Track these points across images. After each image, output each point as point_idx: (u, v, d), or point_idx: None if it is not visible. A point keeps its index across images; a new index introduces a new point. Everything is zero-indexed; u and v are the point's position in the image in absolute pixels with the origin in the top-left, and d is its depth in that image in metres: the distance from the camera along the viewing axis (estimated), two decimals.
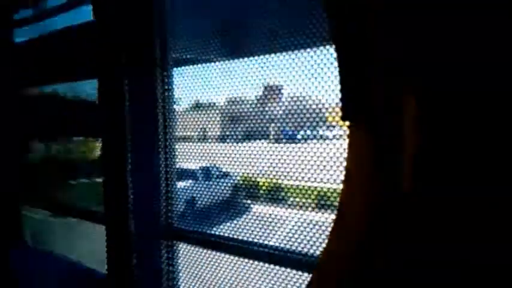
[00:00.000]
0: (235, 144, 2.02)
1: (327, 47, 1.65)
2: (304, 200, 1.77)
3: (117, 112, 2.48)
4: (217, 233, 2.12)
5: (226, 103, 2.12)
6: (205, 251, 2.17)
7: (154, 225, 2.42)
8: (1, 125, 3.68)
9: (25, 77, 3.63)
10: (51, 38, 3.27)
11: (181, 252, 2.37)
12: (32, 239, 3.80)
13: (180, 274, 2.37)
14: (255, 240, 1.92)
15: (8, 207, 3.74)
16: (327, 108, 1.69)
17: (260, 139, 1.92)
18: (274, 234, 1.87)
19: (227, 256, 2.04)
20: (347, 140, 1.36)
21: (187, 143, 2.33)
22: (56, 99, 3.55)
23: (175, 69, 2.42)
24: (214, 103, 2.16)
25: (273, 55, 1.86)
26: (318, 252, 1.70)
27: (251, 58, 1.97)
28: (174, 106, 2.40)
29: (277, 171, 1.82)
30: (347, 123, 1.34)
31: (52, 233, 3.74)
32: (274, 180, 1.89)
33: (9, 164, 3.74)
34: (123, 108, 2.46)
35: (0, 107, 3.68)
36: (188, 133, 2.31)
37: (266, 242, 1.88)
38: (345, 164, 1.36)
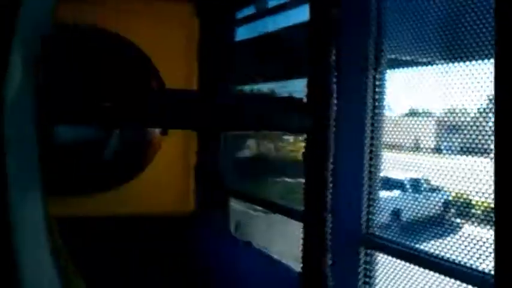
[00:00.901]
0: (451, 157, 1.95)
1: None
2: None
3: (324, 112, 2.56)
4: (424, 249, 2.07)
5: (443, 112, 2.05)
6: (407, 265, 2.13)
7: (353, 230, 2.46)
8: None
9: (244, 74, 3.94)
10: (268, 37, 3.50)
11: (380, 263, 2.36)
12: (235, 228, 4.14)
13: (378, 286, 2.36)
14: (468, 263, 1.83)
15: (220, 198, 4.14)
16: None
17: (480, 155, 1.81)
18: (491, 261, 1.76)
19: (436, 275, 1.97)
20: None
21: (396, 151, 2.30)
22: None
23: (388, 71, 2.41)
24: (430, 111, 2.10)
25: None
26: None
27: (473, 62, 1.87)
28: (385, 111, 2.39)
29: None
30: None
31: (252, 224, 4.03)
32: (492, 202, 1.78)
33: (224, 157, 4.12)
34: (329, 108, 2.53)
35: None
36: (398, 140, 2.28)
37: (482, 267, 1.78)
38: None
